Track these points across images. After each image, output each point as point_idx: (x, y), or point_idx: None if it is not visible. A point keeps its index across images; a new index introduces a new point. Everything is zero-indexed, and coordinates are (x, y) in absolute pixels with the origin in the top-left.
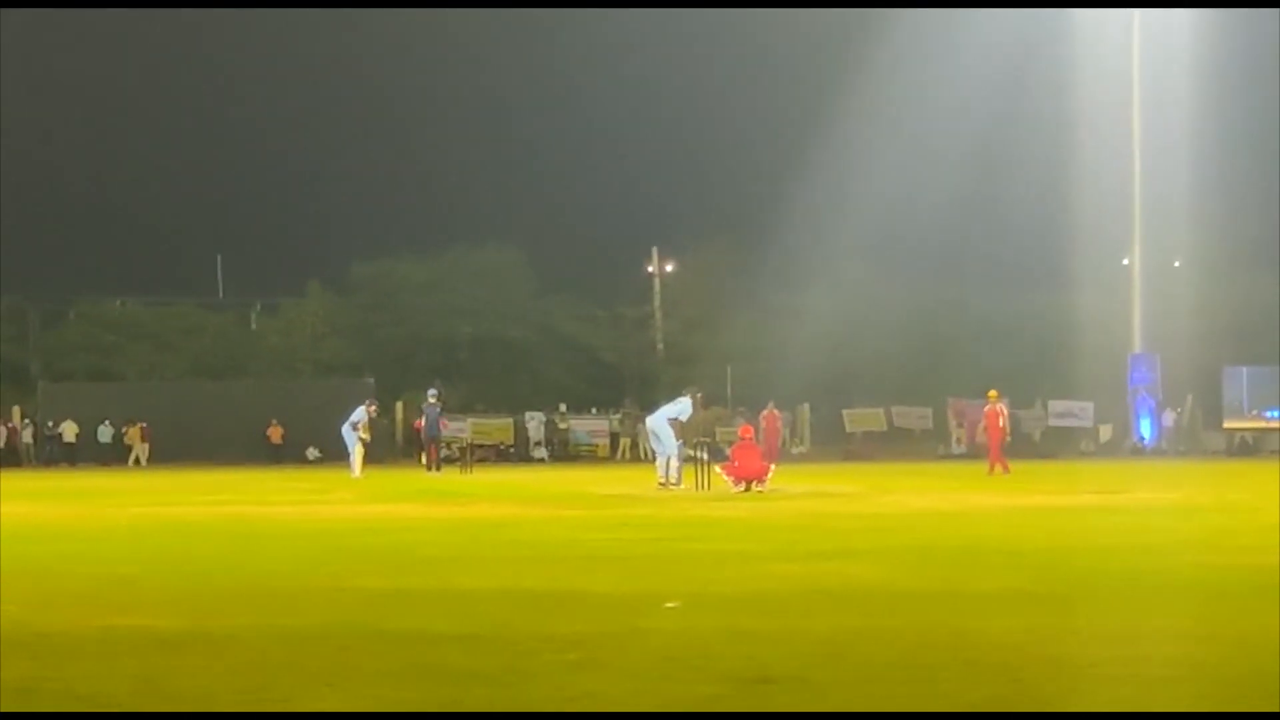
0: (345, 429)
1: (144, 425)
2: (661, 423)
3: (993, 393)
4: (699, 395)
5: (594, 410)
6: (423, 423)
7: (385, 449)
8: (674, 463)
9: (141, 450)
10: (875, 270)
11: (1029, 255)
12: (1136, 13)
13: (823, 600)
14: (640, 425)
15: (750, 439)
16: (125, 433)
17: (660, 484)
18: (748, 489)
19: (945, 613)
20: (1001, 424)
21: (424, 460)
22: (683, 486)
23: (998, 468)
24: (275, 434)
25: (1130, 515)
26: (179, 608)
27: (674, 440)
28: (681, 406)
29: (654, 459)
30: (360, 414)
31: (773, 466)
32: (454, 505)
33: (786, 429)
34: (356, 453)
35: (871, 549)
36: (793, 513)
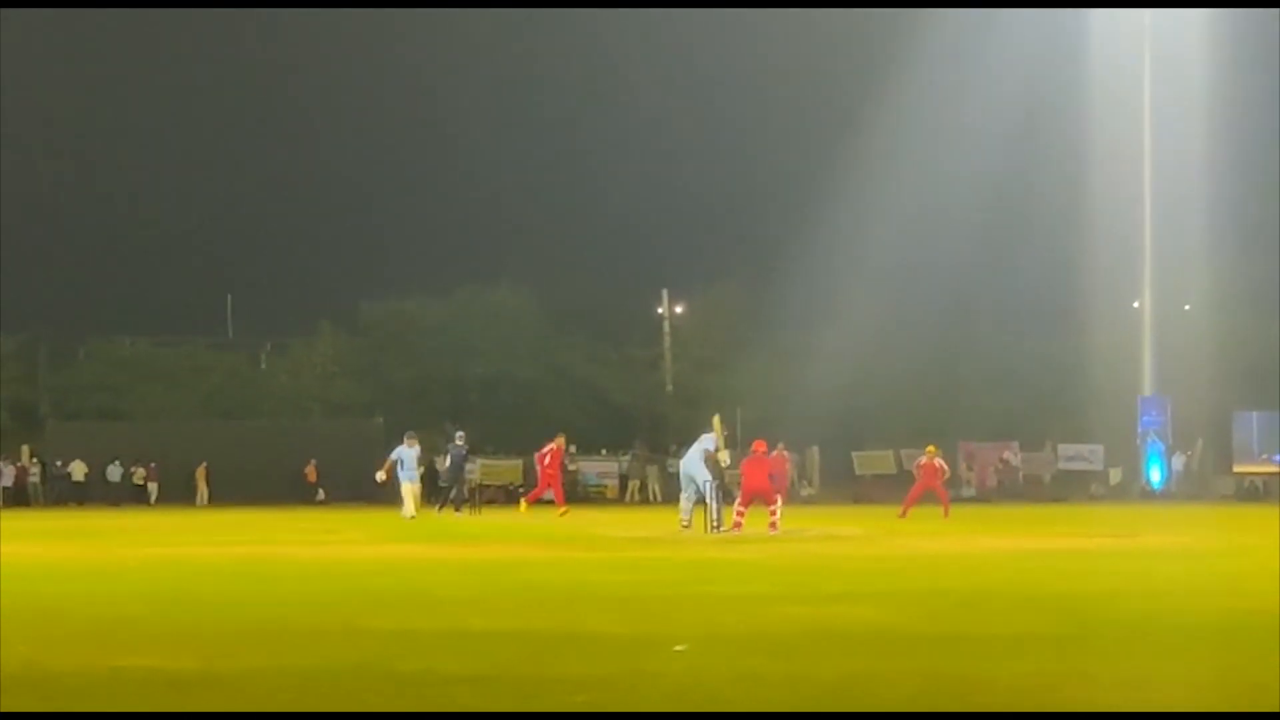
0: (405, 472)
1: (153, 465)
2: (696, 463)
3: (931, 448)
4: (716, 418)
5: (603, 451)
6: (446, 464)
7: (395, 490)
8: (710, 499)
9: (151, 489)
10: (887, 313)
11: (1040, 298)
12: (1147, 55)
13: (831, 643)
14: (649, 467)
15: (762, 453)
16: (134, 472)
17: (684, 525)
18: (739, 526)
19: (954, 657)
20: (941, 476)
21: (450, 499)
22: (691, 529)
23: (911, 511)
24: (311, 473)
25: (1141, 560)
26: (189, 648)
27: (708, 475)
28: (709, 438)
29: (665, 500)
30: (405, 452)
31: (779, 501)
32: (463, 546)
33: (795, 470)
34: (407, 491)
35: (880, 592)
36: (802, 555)
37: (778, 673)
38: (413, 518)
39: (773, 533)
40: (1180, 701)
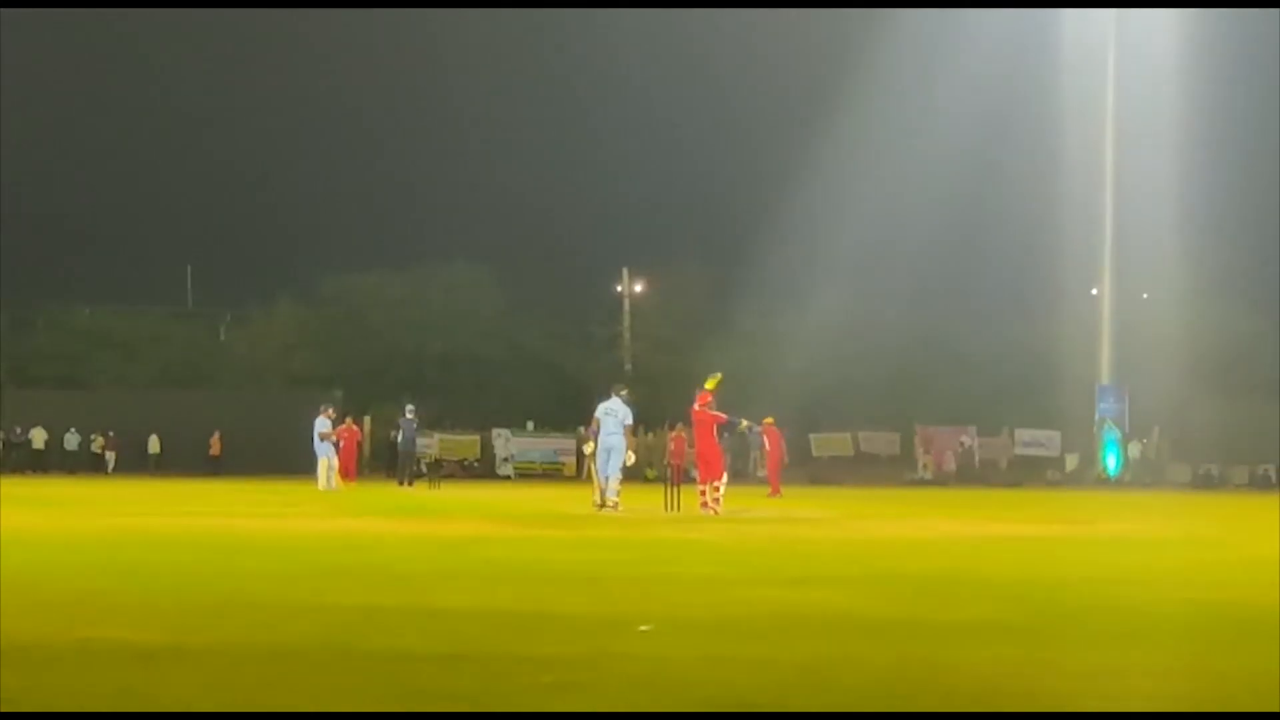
0: (316, 441)
1: (110, 434)
2: (619, 437)
3: (768, 419)
4: (625, 391)
5: (537, 429)
6: (399, 437)
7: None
8: (617, 478)
9: (109, 458)
10: (849, 297)
11: (1000, 285)
12: (1112, 44)
13: (797, 627)
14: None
15: (707, 414)
16: (92, 440)
17: (612, 505)
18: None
19: (919, 642)
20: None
21: (397, 474)
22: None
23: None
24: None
25: (1099, 547)
26: (155, 621)
27: (626, 450)
28: (626, 410)
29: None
30: (323, 424)
31: (724, 479)
32: (425, 522)
33: (758, 451)
34: (322, 465)
35: (844, 576)
36: (763, 537)
37: (744, 655)
38: (327, 489)
39: (705, 512)
40: (1144, 689)
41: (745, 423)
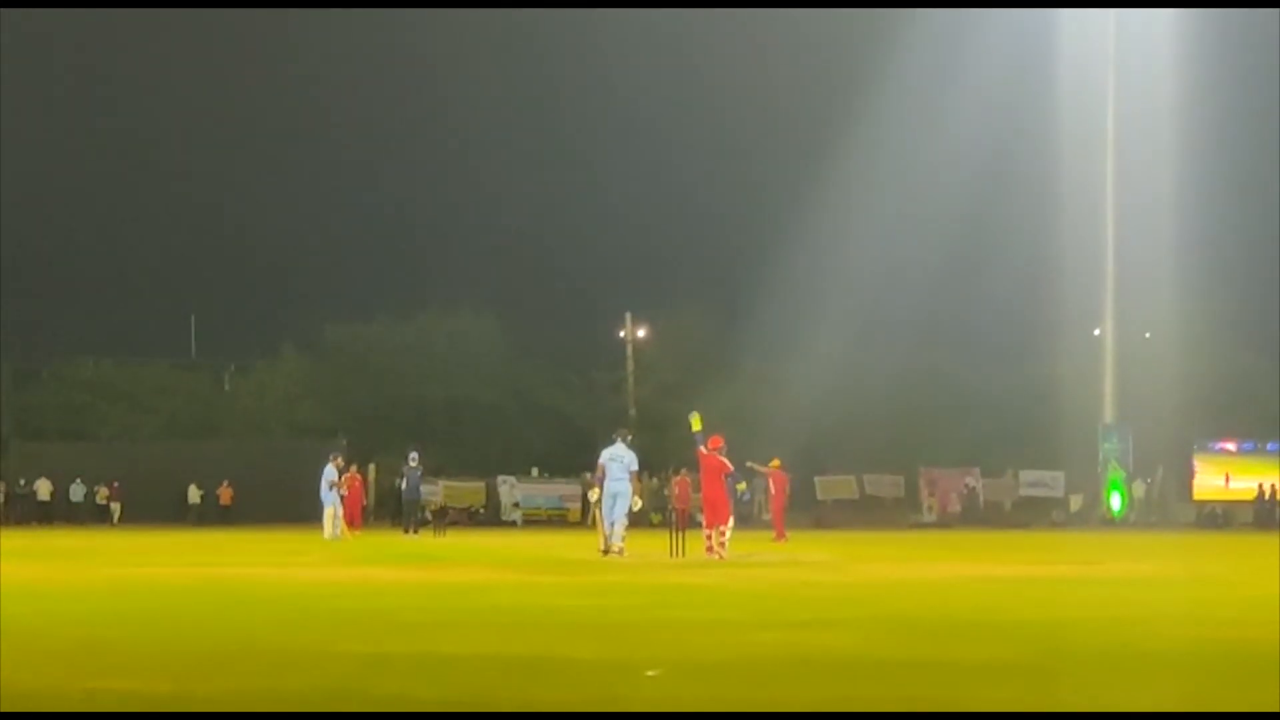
0: (324, 490)
1: (115, 484)
2: (624, 483)
3: (775, 461)
4: (630, 436)
5: (542, 475)
6: (403, 484)
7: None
8: (623, 524)
9: (114, 509)
10: (852, 340)
11: (1004, 327)
12: (1111, 75)
13: (804, 670)
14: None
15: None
16: (97, 491)
17: (618, 550)
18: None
19: (927, 684)
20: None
21: (411, 520)
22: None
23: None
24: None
25: (1107, 587)
26: (162, 670)
27: (631, 496)
28: (631, 456)
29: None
30: (332, 472)
31: (730, 524)
32: (431, 569)
33: (762, 495)
34: (328, 515)
35: (850, 618)
36: (769, 581)
37: (752, 699)
38: (332, 538)
39: (710, 556)
40: None
41: (743, 485)
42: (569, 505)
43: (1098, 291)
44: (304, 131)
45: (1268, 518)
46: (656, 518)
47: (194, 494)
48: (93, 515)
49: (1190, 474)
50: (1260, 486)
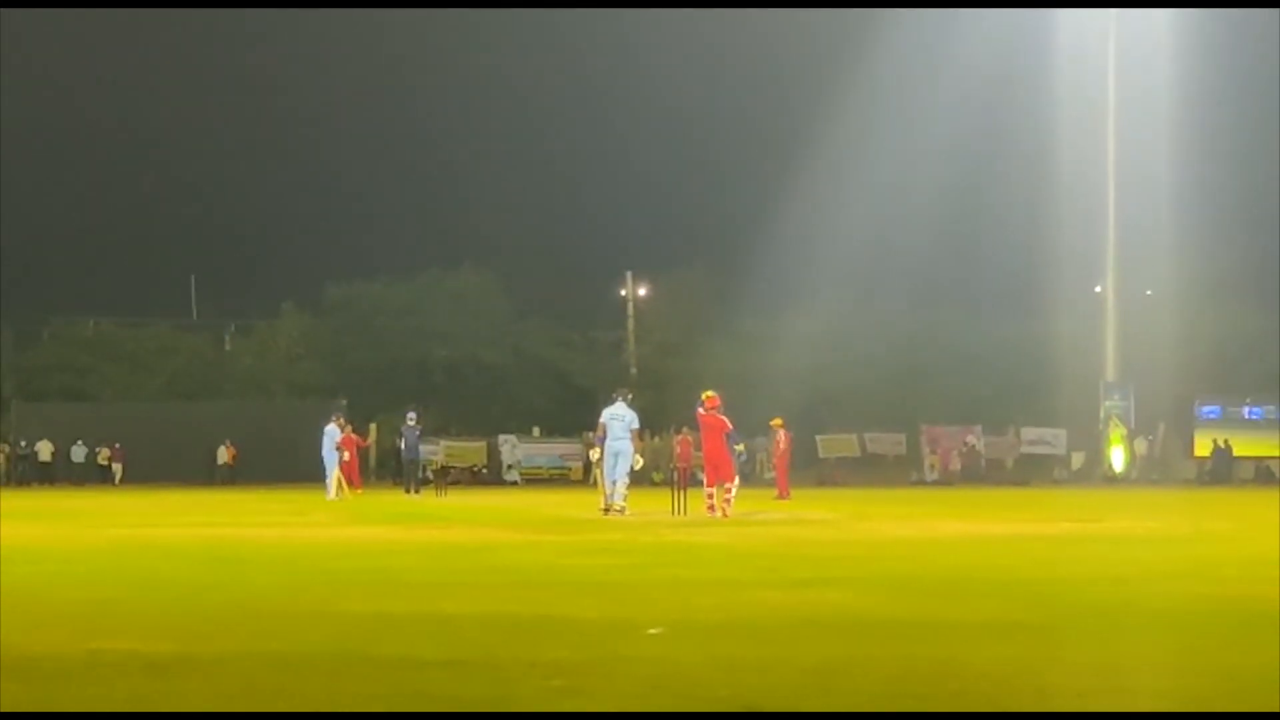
0: (326, 451)
1: (117, 445)
2: (626, 441)
3: (777, 420)
4: (630, 395)
5: (543, 434)
6: (402, 444)
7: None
8: (624, 483)
9: (116, 470)
10: (852, 298)
11: (1005, 284)
12: (1112, 43)
13: (806, 629)
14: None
15: (716, 418)
16: (99, 452)
17: (619, 509)
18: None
19: (929, 642)
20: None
21: (404, 482)
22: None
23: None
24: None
25: (1109, 544)
26: (165, 631)
27: (633, 453)
28: (632, 415)
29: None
30: (335, 432)
31: (735, 482)
32: (432, 529)
33: (764, 454)
34: (334, 475)
35: (852, 577)
36: (771, 539)
37: (754, 658)
38: (334, 499)
39: (711, 515)
40: (1155, 685)
41: (742, 446)
42: (570, 464)
43: (1099, 248)
44: (306, 91)
45: (1266, 474)
46: (658, 476)
47: (195, 454)
48: (94, 476)
49: (1192, 431)
50: (1215, 442)
